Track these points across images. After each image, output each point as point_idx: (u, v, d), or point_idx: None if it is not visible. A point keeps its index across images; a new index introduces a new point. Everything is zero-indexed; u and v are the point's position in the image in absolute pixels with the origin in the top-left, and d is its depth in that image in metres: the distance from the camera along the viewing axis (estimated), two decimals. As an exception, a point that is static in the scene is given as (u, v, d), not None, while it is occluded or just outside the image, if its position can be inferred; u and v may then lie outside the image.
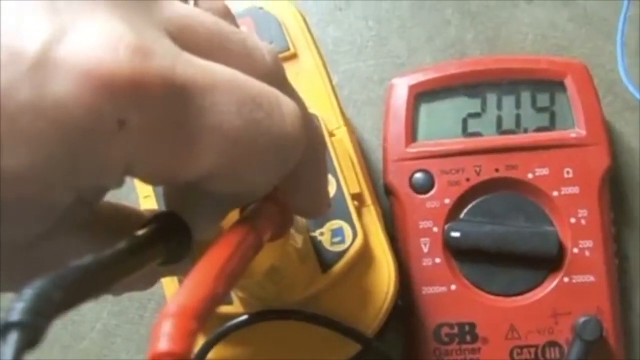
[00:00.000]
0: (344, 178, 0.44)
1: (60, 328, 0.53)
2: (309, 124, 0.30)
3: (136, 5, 0.24)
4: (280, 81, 0.29)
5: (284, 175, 0.29)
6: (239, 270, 0.27)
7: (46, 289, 0.21)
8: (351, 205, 0.44)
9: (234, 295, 0.42)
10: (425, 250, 0.48)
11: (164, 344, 0.22)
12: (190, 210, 0.29)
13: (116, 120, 0.22)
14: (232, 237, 0.28)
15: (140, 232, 0.27)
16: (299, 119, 0.28)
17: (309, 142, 0.29)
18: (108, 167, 0.24)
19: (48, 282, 0.21)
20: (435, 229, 0.48)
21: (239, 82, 0.26)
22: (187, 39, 0.25)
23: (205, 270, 0.25)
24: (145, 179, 0.27)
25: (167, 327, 0.22)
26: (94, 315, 0.54)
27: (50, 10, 0.22)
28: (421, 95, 0.51)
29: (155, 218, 0.29)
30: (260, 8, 0.48)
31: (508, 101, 0.50)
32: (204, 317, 0.24)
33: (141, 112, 0.23)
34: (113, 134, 0.23)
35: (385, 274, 0.44)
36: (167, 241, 0.28)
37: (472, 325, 0.47)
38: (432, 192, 0.49)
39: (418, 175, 0.49)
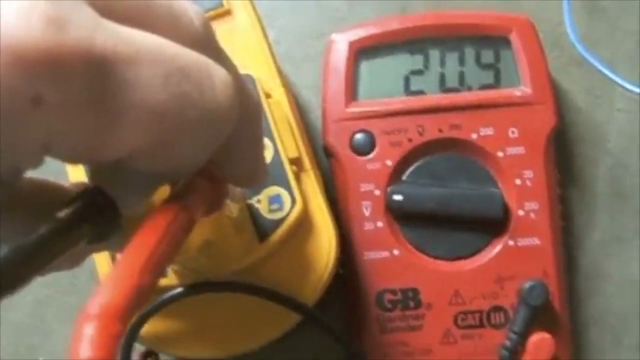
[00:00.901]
0: (282, 142, 0.42)
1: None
2: (242, 90, 0.28)
3: None
4: (210, 47, 0.27)
5: (216, 148, 0.27)
6: (168, 255, 0.25)
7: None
8: (289, 171, 0.42)
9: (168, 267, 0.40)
10: (367, 214, 0.46)
11: (85, 351, 0.20)
12: (117, 186, 0.27)
13: (31, 97, 0.20)
14: (159, 220, 0.26)
15: (62, 213, 0.25)
16: (231, 88, 0.26)
17: (242, 110, 0.27)
18: (23, 147, 0.22)
19: None
20: (377, 192, 0.47)
21: (165, 51, 0.24)
22: (107, 4, 0.23)
23: (130, 261, 0.23)
24: (66, 159, 0.25)
25: (88, 331, 0.21)
26: (23, 285, 0.51)
27: None
28: (362, 52, 0.49)
29: (80, 195, 0.26)
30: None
31: (451, 58, 0.49)
32: (130, 316, 0.22)
33: (58, 88, 0.21)
34: (28, 111, 0.21)
35: (325, 242, 0.42)
36: (93, 220, 0.26)
37: (416, 291, 0.46)
38: (373, 154, 0.47)
39: (359, 136, 0.47)
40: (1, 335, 0.51)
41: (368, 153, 0.47)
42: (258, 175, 0.33)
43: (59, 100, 0.21)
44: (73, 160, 0.26)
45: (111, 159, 0.24)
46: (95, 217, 0.26)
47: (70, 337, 0.20)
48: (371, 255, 0.46)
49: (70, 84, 0.21)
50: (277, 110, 0.43)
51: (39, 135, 0.22)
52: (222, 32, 0.44)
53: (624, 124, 0.51)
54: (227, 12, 0.45)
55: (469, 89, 0.48)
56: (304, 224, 0.42)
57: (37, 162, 0.23)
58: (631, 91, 0.50)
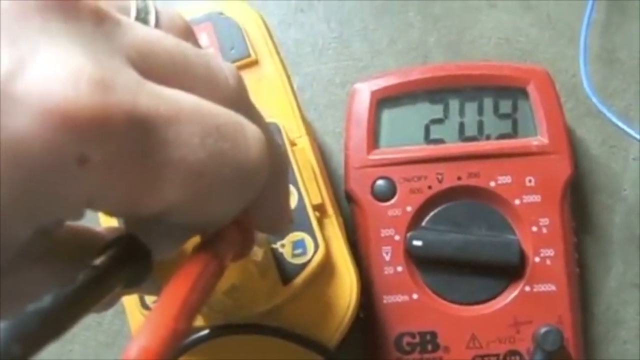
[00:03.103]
0: (306, 189, 0.44)
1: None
2: (272, 145, 0.29)
3: (97, 32, 0.24)
4: (243, 104, 0.28)
5: (249, 202, 0.28)
6: (200, 301, 0.27)
7: (4, 343, 0.20)
8: (313, 217, 0.43)
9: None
10: (387, 258, 0.48)
11: None
12: (151, 234, 0.29)
13: (77, 156, 0.22)
14: (192, 267, 0.27)
15: (99, 261, 0.26)
16: (264, 144, 0.27)
17: (272, 164, 0.29)
18: (68, 203, 0.23)
19: (6, 335, 0.20)
20: (397, 237, 0.48)
21: (203, 111, 0.25)
22: (149, 64, 0.25)
23: (166, 307, 0.25)
24: (107, 212, 0.27)
25: (129, 373, 0.22)
26: (51, 322, 0.53)
27: (8, 42, 0.22)
28: (383, 101, 0.50)
29: (115, 243, 0.28)
30: (221, 13, 0.47)
31: (470, 108, 0.50)
32: (167, 358, 0.23)
33: (103, 148, 0.22)
34: (74, 170, 0.22)
35: (347, 286, 0.44)
36: (128, 268, 0.27)
37: (434, 335, 0.47)
38: (393, 200, 0.48)
39: (380, 182, 0.49)
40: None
41: (389, 199, 0.48)
42: (284, 222, 0.35)
43: (103, 158, 0.22)
44: (113, 213, 0.27)
45: (150, 213, 0.25)
46: (131, 265, 0.28)
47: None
48: (391, 299, 0.47)
49: (115, 144, 0.22)
50: (301, 157, 0.44)
51: (83, 191, 0.23)
52: (250, 81, 0.45)
53: (638, 172, 0.52)
54: (255, 62, 0.46)
55: (488, 138, 0.50)
56: (326, 268, 0.43)
57: (79, 215, 0.25)
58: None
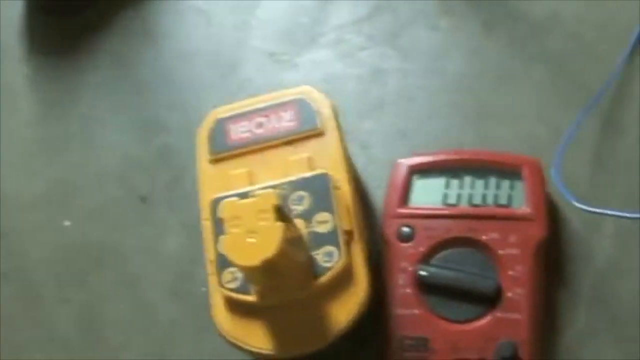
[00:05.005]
0: (340, 219, 0.61)
1: None
2: None
3: None
4: None
5: None
6: None
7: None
8: (342, 238, 0.60)
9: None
10: (401, 282, 0.65)
11: None
12: None
13: None
14: None
15: None
16: None
17: None
18: None
19: None
20: (410, 268, 0.65)
21: None
22: None
23: None
24: None
25: None
26: None
27: None
28: (416, 172, 0.68)
29: None
30: (302, 98, 0.67)
31: (479, 183, 0.68)
32: None
33: None
34: None
35: (360, 291, 0.60)
36: None
37: (427, 340, 0.63)
38: (412, 242, 0.66)
39: (404, 229, 0.66)
40: None
41: (408, 242, 0.66)
42: None
43: None
44: None
45: None
46: None
47: None
48: (399, 312, 0.64)
49: None
50: (340, 197, 0.62)
51: None
52: (316, 147, 0.66)
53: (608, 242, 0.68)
54: (321, 133, 0.66)
55: (488, 205, 0.67)
56: (345, 274, 0.59)
57: None
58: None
